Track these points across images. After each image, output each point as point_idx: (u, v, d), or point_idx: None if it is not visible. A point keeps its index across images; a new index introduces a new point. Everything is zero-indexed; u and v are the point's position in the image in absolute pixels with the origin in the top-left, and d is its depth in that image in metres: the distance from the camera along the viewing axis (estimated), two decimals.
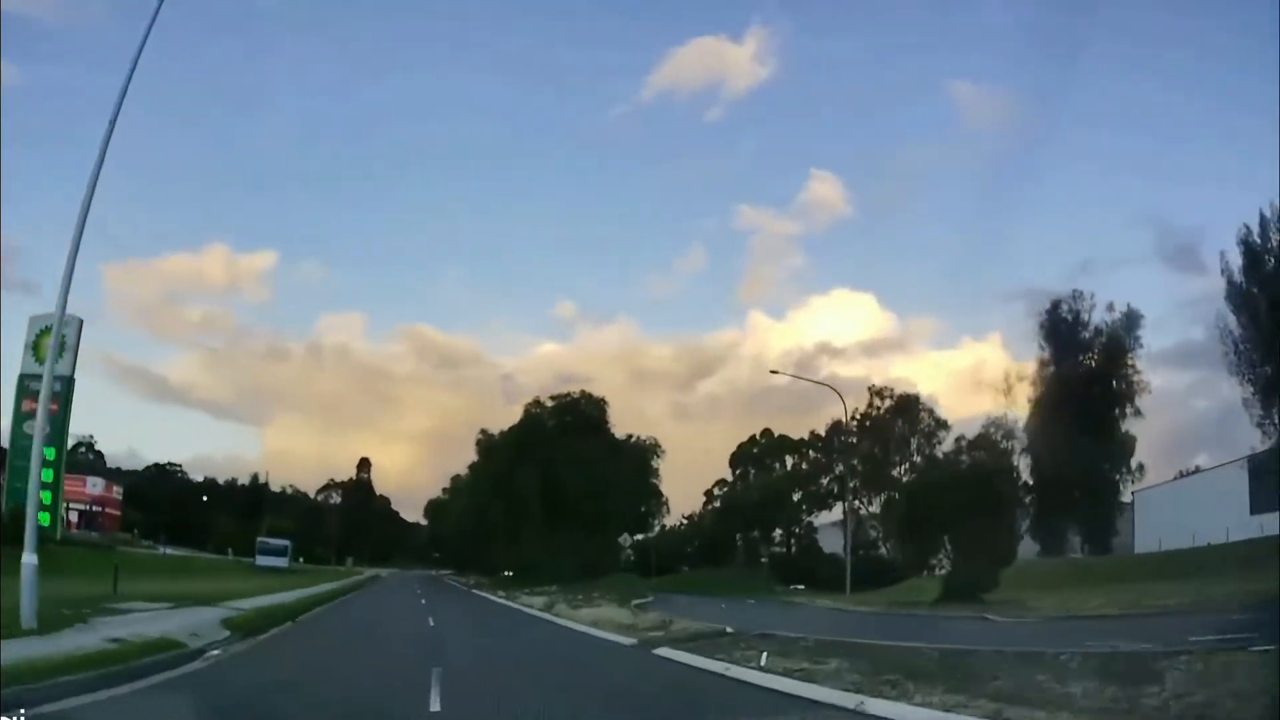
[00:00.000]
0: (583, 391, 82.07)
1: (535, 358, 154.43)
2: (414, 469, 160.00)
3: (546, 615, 30.01)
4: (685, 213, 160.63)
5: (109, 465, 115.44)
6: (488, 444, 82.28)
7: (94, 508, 78.32)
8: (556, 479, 70.90)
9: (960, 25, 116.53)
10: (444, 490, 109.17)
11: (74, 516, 70.01)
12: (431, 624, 23.55)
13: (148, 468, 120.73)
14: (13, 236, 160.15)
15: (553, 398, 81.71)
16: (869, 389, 77.21)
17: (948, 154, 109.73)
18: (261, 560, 67.96)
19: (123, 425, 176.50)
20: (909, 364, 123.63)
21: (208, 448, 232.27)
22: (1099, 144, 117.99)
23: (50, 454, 40.74)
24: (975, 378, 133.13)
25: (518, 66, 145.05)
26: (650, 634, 19.51)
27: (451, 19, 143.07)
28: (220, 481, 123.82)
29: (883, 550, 77.76)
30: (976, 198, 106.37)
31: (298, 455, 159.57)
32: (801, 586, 72.20)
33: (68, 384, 41.63)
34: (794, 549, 79.98)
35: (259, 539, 73.25)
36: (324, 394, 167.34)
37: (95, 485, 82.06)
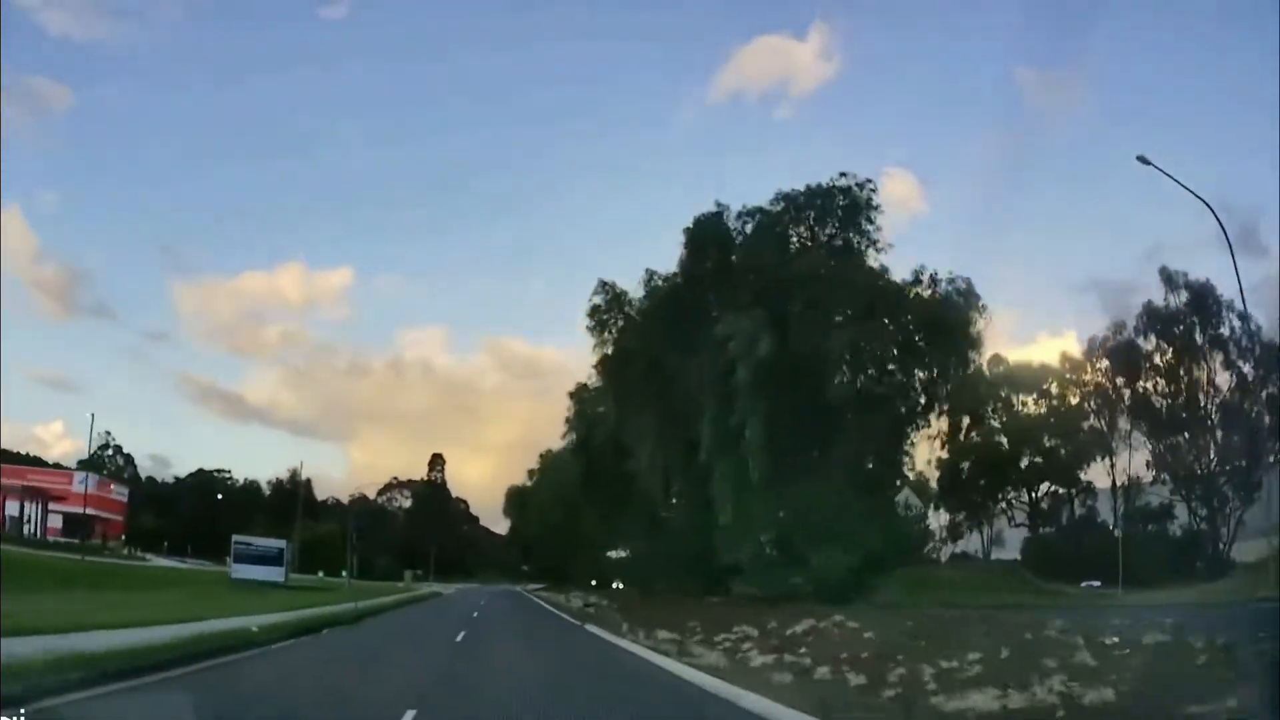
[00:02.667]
0: (808, 186, 36.92)
1: None
2: (499, 480, 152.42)
3: None
4: None
5: (147, 475, 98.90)
6: (612, 308, 40.32)
7: (86, 510, 59.38)
8: (786, 365, 31.86)
9: (1019, 7, 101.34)
10: (530, 473, 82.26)
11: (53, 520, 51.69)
12: None
13: (189, 475, 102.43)
14: (84, 259, 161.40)
15: (745, 212, 37.73)
16: (1159, 271, 51.55)
17: (1010, 143, 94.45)
18: (239, 571, 45.11)
19: (199, 443, 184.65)
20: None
21: (291, 465, 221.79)
22: (1151, 130, 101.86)
23: None
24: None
25: (587, 71, 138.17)
26: None
27: (518, 28, 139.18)
28: (264, 487, 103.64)
29: (1191, 522, 51.80)
30: (1038, 188, 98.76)
31: (381, 470, 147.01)
32: (1097, 583, 46.98)
33: None
34: (1054, 528, 54.01)
35: (234, 539, 48.69)
36: (407, 409, 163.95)
37: (85, 483, 62.64)
